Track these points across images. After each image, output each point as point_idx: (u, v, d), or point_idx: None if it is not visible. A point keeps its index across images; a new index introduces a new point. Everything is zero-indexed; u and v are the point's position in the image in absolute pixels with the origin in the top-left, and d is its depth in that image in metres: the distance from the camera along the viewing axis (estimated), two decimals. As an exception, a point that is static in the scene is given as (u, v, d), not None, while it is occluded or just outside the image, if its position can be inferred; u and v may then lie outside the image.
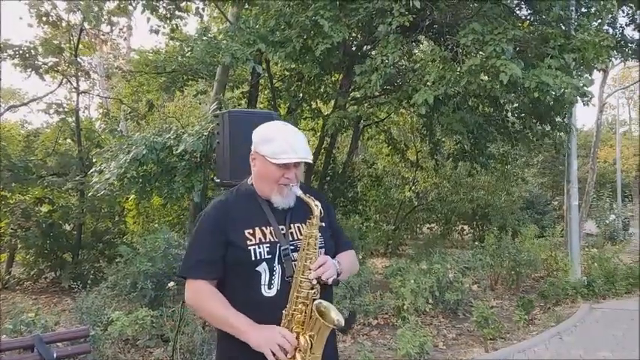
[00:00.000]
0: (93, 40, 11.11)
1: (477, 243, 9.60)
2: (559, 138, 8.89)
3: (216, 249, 1.87)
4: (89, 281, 6.32)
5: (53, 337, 2.80)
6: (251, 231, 1.87)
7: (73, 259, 9.30)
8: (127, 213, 11.07)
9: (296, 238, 1.91)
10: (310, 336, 1.77)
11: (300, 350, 1.76)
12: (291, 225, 1.93)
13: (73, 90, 10.19)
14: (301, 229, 1.92)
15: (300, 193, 1.90)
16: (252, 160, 1.98)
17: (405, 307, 6.22)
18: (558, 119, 8.28)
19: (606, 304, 7.81)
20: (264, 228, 1.88)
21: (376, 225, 13.57)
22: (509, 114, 9.23)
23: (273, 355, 1.71)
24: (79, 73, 9.91)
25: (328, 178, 10.26)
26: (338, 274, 1.88)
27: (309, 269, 1.81)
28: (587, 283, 8.11)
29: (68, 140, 11.01)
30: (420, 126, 10.29)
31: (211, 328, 5.22)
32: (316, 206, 1.88)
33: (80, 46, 10.04)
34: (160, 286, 5.84)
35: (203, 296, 1.87)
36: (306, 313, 1.79)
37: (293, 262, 1.85)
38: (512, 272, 8.40)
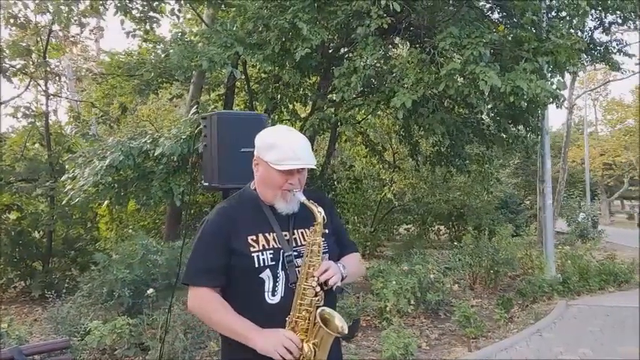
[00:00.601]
0: (62, 42, 10.81)
1: (455, 243, 9.68)
2: (532, 139, 9.05)
3: (219, 256, 1.85)
4: (64, 290, 6.12)
5: (33, 349, 2.69)
6: (254, 237, 1.85)
7: (43, 267, 9.03)
8: (99, 219, 10.82)
9: (300, 244, 1.89)
10: (314, 344, 1.75)
11: (304, 358, 1.73)
12: (295, 231, 1.91)
13: (42, 93, 9.91)
14: (305, 234, 1.90)
15: (303, 199, 1.87)
16: (255, 165, 1.95)
17: (387, 308, 6.22)
18: (532, 120, 8.42)
19: (581, 300, 8.01)
20: (267, 234, 1.86)
21: (354, 227, 13.58)
22: (484, 115, 9.36)
23: (282, 357, 1.70)
24: (48, 76, 9.63)
25: (307, 181, 10.21)
26: (343, 279, 1.87)
27: (313, 276, 1.79)
28: (562, 280, 8.29)
29: (37, 145, 10.68)
30: (399, 127, 10.33)
31: (193, 335, 5.13)
32: (319, 213, 1.85)
33: (49, 47, 9.78)
34: (137, 293, 5.70)
35: (206, 304, 1.86)
36: (309, 320, 1.77)
37: (297, 269, 1.84)
38: (491, 271, 8.51)
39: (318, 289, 1.78)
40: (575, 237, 14.21)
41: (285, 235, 1.88)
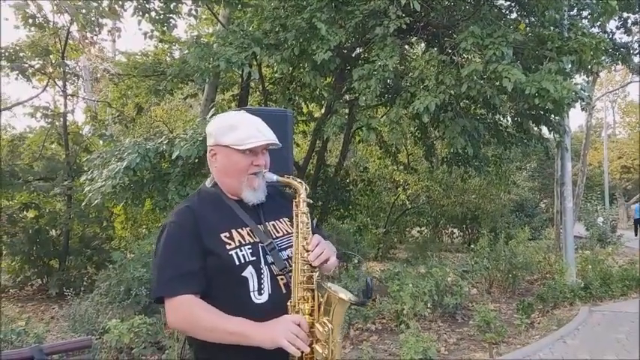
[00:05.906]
0: (80, 43, 10.88)
1: (472, 246, 9.54)
2: (556, 138, 8.81)
3: (194, 258, 1.63)
4: (82, 288, 6.13)
5: (54, 347, 2.62)
6: (227, 234, 1.66)
7: (60, 265, 9.11)
8: (114, 218, 10.86)
9: (274, 236, 1.74)
10: (328, 320, 1.57)
11: (318, 340, 1.56)
12: (267, 224, 1.76)
13: (60, 93, 9.98)
14: (277, 226, 1.77)
15: (276, 177, 1.74)
16: (212, 156, 1.76)
17: (404, 311, 6.12)
18: (554, 119, 8.20)
19: (604, 306, 7.81)
20: (240, 229, 1.69)
21: (367, 229, 13.48)
22: (502, 116, 9.16)
23: (291, 344, 1.51)
24: (67, 76, 9.70)
25: (320, 182, 10.14)
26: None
27: (307, 251, 1.64)
28: (584, 285, 8.11)
29: (54, 144, 10.77)
30: (414, 128, 10.19)
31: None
32: (300, 184, 1.74)
33: (67, 48, 9.84)
34: (154, 292, 5.68)
35: (191, 312, 1.58)
36: (313, 299, 1.61)
37: (282, 254, 1.70)
38: (509, 275, 8.36)
39: (315, 262, 1.63)
40: (594, 241, 13.95)
41: (259, 228, 1.73)
